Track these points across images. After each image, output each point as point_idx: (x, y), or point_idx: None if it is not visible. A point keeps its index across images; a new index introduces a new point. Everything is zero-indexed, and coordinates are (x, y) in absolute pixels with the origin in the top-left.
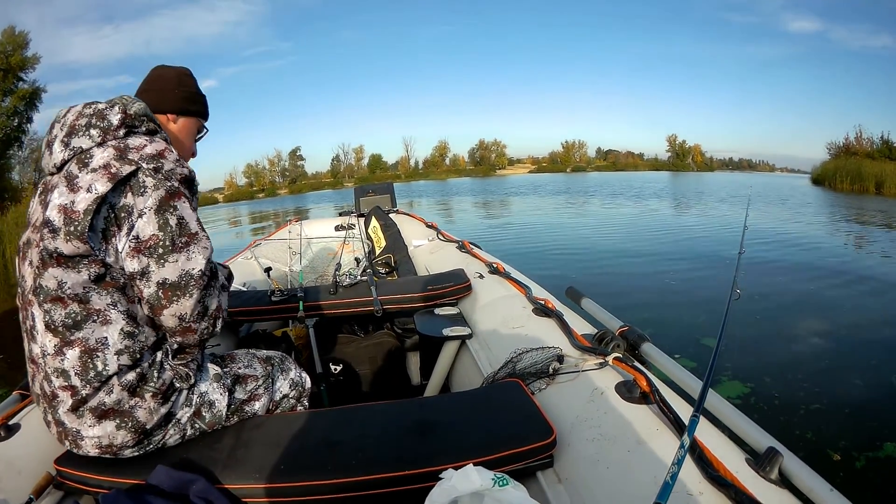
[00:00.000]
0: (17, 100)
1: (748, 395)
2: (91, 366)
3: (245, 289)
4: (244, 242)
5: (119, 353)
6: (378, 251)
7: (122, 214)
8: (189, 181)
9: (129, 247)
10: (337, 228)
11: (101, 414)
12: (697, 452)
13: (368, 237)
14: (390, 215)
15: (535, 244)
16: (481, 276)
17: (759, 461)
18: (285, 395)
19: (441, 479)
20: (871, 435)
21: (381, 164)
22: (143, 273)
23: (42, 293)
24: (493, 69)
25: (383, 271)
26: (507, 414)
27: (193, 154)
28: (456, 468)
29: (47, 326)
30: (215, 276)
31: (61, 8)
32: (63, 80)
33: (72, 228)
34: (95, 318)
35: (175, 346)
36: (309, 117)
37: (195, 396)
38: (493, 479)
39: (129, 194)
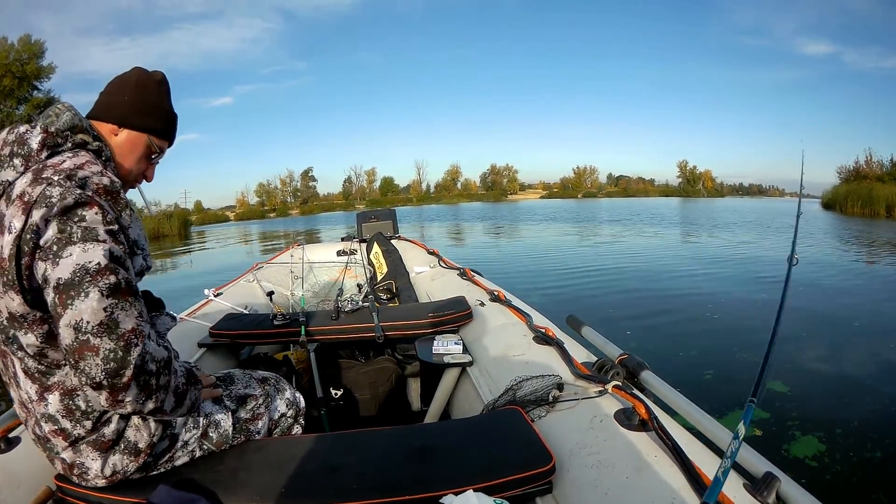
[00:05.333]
0: (31, 108)
1: (822, 455)
2: (74, 406)
3: (247, 312)
4: (249, 263)
5: None
6: (380, 277)
7: (28, 235)
8: (110, 192)
9: (38, 258)
10: (339, 254)
11: (102, 446)
12: (695, 477)
13: (370, 263)
14: (392, 241)
15: (537, 272)
16: (482, 304)
17: (757, 486)
18: (283, 415)
19: (442, 503)
20: None
21: (393, 187)
22: (45, 281)
23: (14, 343)
24: (506, 94)
25: (385, 297)
26: (506, 441)
27: (146, 177)
28: (456, 494)
29: (26, 374)
30: (132, 293)
31: (79, 19)
32: (78, 91)
33: (5, 280)
34: (63, 363)
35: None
36: (322, 138)
37: (201, 418)
38: None
39: (34, 211)
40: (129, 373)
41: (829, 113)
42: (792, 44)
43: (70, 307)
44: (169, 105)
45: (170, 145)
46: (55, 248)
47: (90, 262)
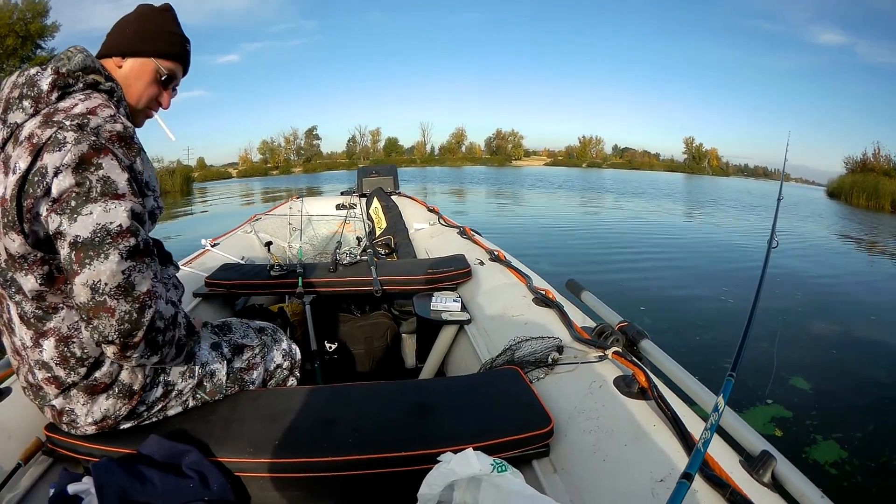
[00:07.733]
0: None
1: (843, 463)
2: (69, 353)
3: (244, 262)
4: (247, 215)
5: None
6: (378, 232)
7: (36, 178)
8: (123, 138)
9: (46, 209)
10: (338, 207)
11: (94, 390)
12: (693, 448)
13: (369, 217)
14: (392, 197)
15: (537, 235)
16: (482, 263)
17: (753, 464)
18: (279, 366)
19: (440, 461)
20: None
21: (397, 147)
22: (58, 234)
23: (13, 286)
24: (515, 59)
25: (383, 252)
26: (504, 401)
27: (161, 104)
28: (454, 452)
29: (21, 319)
30: (149, 253)
31: None
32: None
33: (6, 220)
34: (61, 307)
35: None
36: (328, 97)
37: (197, 367)
38: (492, 465)
39: (44, 154)
40: (141, 333)
41: (840, 103)
42: (805, 31)
43: (88, 267)
44: (174, 28)
45: (184, 71)
46: (73, 202)
47: (111, 223)
